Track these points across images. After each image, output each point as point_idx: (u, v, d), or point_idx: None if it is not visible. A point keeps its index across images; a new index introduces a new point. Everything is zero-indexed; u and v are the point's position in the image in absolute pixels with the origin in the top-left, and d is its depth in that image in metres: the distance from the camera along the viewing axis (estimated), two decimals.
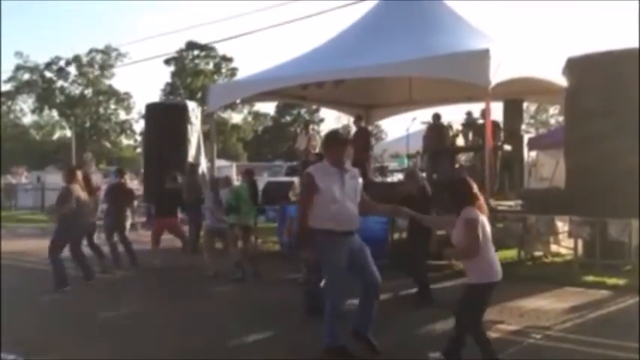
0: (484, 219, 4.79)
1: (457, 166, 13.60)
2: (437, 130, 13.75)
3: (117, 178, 11.49)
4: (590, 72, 9.45)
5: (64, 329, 6.74)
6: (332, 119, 59.44)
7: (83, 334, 6.53)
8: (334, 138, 5.65)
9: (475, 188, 4.89)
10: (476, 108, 13.54)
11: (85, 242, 9.44)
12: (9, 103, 61.84)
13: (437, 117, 13.91)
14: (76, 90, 63.49)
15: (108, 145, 64.25)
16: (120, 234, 10.68)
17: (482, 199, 4.92)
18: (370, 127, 17.53)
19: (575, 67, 9.69)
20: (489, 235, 4.83)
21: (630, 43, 9.88)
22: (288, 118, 63.38)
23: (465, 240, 4.71)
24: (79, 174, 9.06)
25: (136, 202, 11.25)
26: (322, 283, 5.73)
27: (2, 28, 67.42)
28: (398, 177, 15.66)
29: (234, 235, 9.74)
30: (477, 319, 4.83)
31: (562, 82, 10.26)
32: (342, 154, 5.38)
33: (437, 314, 6.81)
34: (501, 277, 4.85)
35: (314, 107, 50.39)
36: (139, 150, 57.68)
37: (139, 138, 59.51)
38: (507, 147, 12.72)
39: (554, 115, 50.85)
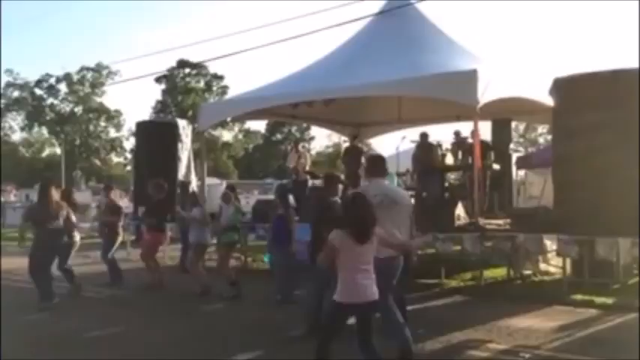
0: (352, 244, 4.66)
1: (447, 184, 13.66)
2: (426, 148, 13.81)
3: (105, 195, 11.45)
4: (575, 92, 9.56)
5: (50, 348, 6.67)
6: (323, 137, 59.77)
7: (69, 353, 6.46)
8: (381, 160, 6.11)
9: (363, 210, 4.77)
10: (465, 127, 13.65)
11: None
12: None
13: (424, 136, 13.96)
14: (66, 107, 63.50)
15: (98, 162, 64.09)
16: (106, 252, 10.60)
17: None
18: (360, 145, 17.59)
19: (562, 87, 9.81)
20: (355, 259, 4.70)
21: (615, 64, 10.03)
22: (278, 136, 63.56)
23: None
24: (53, 190, 8.83)
25: (121, 219, 11.08)
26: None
27: None
28: None
29: (230, 253, 9.90)
30: (325, 336, 4.83)
31: (549, 101, 10.38)
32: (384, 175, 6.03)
33: (426, 334, 6.80)
34: (364, 301, 4.69)
35: (304, 125, 50.59)
36: (129, 168, 57.55)
37: (129, 156, 59.41)
38: (496, 166, 12.81)
39: (543, 134, 51.28)
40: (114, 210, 10.79)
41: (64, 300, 8.85)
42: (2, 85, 60.24)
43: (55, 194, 8.87)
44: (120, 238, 10.77)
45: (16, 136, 65.07)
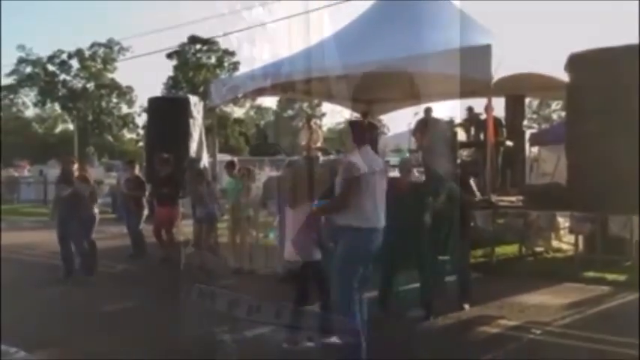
0: None
1: (459, 161, 13.55)
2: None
3: (129, 170, 11.78)
4: (591, 68, 9.40)
5: (65, 323, 6.77)
6: (334, 114, 59.43)
7: (84, 327, 6.56)
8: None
9: None
10: (478, 103, 13.49)
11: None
12: (11, 96, 61.88)
13: (428, 110, 13.68)
14: (78, 83, 63.51)
15: (110, 138, 64.30)
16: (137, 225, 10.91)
17: None
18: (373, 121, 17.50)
19: (578, 63, 9.65)
20: None
21: (632, 39, 9.84)
22: (290, 112, 63.33)
23: None
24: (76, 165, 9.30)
25: (145, 193, 11.28)
26: None
27: (5, 22, 67.45)
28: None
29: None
30: None
31: (564, 77, 10.24)
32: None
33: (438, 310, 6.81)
34: None
35: (316, 102, 50.34)
36: (141, 144, 57.73)
37: (141, 132, 59.52)
38: (509, 142, 12.70)
39: (557, 110, 50.74)
40: (138, 184, 11.12)
41: (78, 275, 8.93)
42: (15, 60, 60.39)
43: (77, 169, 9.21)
44: (146, 211, 10.99)
45: (30, 112, 65.46)
